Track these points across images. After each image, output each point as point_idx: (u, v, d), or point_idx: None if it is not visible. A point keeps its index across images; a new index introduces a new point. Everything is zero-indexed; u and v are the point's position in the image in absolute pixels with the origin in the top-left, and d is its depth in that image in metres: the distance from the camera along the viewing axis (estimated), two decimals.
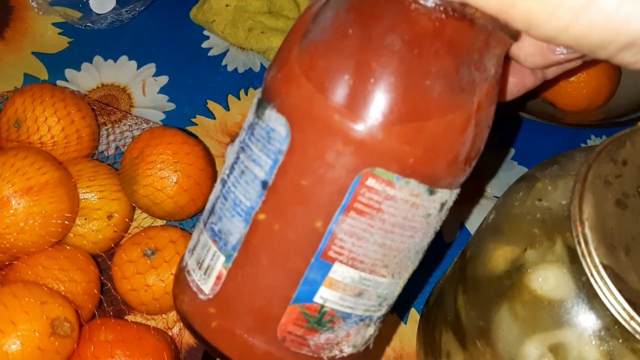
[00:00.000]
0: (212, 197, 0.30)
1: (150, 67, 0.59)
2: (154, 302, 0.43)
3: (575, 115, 0.58)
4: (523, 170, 0.58)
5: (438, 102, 0.25)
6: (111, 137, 0.53)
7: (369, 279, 0.28)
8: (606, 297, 0.27)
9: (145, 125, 0.52)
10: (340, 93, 0.25)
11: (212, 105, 0.58)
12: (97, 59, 0.59)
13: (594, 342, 0.29)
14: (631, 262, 0.27)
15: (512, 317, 0.31)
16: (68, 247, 0.42)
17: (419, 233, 0.28)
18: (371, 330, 0.31)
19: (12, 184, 0.39)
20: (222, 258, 0.28)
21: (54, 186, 0.41)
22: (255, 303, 0.28)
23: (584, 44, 0.22)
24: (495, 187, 0.56)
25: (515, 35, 0.26)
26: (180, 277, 0.31)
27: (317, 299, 0.28)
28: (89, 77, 0.58)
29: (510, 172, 0.58)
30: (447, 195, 0.28)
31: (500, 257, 0.33)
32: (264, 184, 0.27)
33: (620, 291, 0.27)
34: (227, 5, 0.58)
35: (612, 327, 0.28)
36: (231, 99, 0.58)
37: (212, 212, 0.30)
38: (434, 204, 0.28)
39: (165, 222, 0.49)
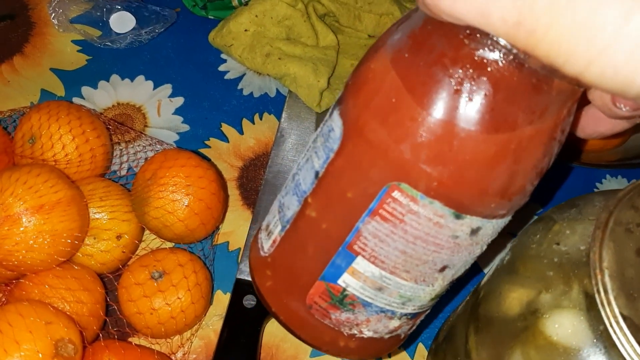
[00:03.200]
0: (290, 174, 0.34)
1: (167, 88, 0.59)
2: (159, 325, 0.43)
3: (591, 155, 0.58)
4: (536, 207, 0.57)
5: (466, 135, 0.26)
6: (124, 157, 0.53)
7: (389, 277, 0.30)
8: (625, 348, 0.26)
9: (158, 146, 0.52)
10: (381, 112, 0.27)
11: (226, 129, 0.58)
12: (114, 77, 0.59)
13: None
14: None
15: None
16: (76, 267, 0.42)
17: (446, 250, 0.29)
18: (395, 323, 0.34)
19: (24, 201, 0.39)
20: (279, 227, 0.33)
21: (66, 205, 0.40)
22: (293, 271, 0.33)
23: (603, 88, 0.22)
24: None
25: (577, 83, 0.25)
26: (257, 232, 0.37)
27: (341, 282, 0.31)
28: (105, 95, 0.58)
29: (522, 208, 0.57)
30: (480, 223, 0.29)
31: (515, 299, 0.33)
32: (316, 174, 0.30)
33: (639, 343, 0.26)
34: (245, 30, 0.59)
35: None
36: (245, 123, 0.58)
37: (285, 186, 0.34)
38: (462, 227, 0.28)
39: (174, 244, 0.49)
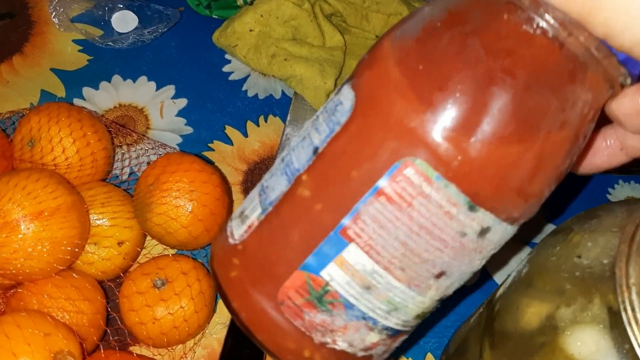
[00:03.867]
0: (278, 157, 0.32)
1: (170, 89, 0.58)
2: (162, 336, 0.41)
3: None
4: (546, 211, 0.56)
5: (497, 123, 0.24)
6: (126, 161, 0.52)
7: (381, 274, 0.27)
8: None
9: (161, 150, 0.51)
10: (404, 80, 0.25)
11: (230, 131, 0.56)
12: (116, 78, 0.58)
13: None
14: None
15: None
16: (75, 275, 0.41)
17: (449, 250, 0.27)
18: (374, 338, 0.30)
19: (23, 207, 0.38)
20: (259, 210, 0.30)
21: (66, 211, 0.39)
22: (268, 258, 0.29)
23: None
24: None
25: (611, 80, 0.25)
26: (223, 223, 0.34)
27: (325, 274, 0.28)
28: (106, 96, 0.57)
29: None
30: (491, 222, 0.27)
31: (533, 314, 0.31)
32: (315, 150, 0.28)
33: None
34: (250, 30, 0.57)
35: None
36: (250, 125, 0.57)
37: (270, 171, 0.31)
38: (473, 223, 0.26)
39: (176, 251, 0.48)
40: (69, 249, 0.39)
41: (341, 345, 0.30)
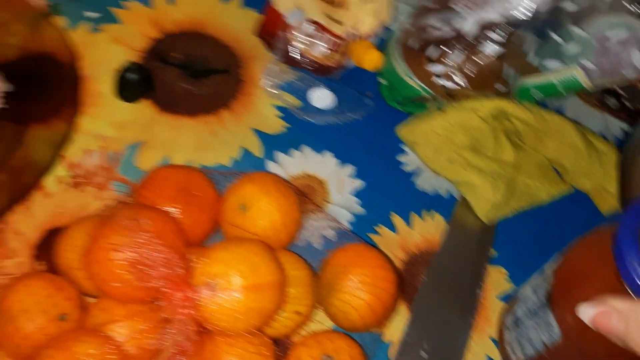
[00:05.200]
0: (518, 312, 0.51)
1: (350, 168, 0.63)
2: None
3: None
4: None
5: None
6: (306, 232, 0.57)
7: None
8: None
9: (335, 225, 0.56)
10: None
11: (396, 219, 0.61)
12: (305, 148, 0.64)
13: None
14: None
15: None
16: (266, 339, 0.46)
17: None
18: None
19: (245, 278, 0.43)
20: (531, 351, 0.49)
21: (276, 287, 0.45)
22: None
23: None
24: None
25: None
26: (502, 345, 0.55)
27: None
28: (295, 163, 0.63)
29: None
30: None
31: None
32: (544, 344, 0.46)
33: None
34: (435, 132, 0.62)
35: None
36: (414, 217, 0.62)
37: (517, 323, 0.51)
38: None
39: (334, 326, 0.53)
40: (269, 320, 0.45)
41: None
